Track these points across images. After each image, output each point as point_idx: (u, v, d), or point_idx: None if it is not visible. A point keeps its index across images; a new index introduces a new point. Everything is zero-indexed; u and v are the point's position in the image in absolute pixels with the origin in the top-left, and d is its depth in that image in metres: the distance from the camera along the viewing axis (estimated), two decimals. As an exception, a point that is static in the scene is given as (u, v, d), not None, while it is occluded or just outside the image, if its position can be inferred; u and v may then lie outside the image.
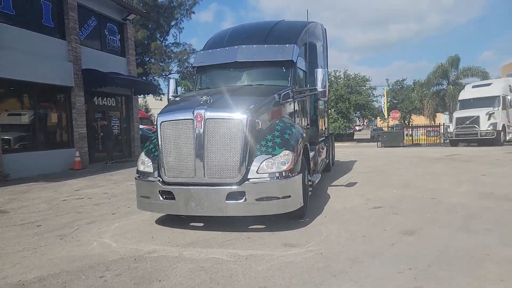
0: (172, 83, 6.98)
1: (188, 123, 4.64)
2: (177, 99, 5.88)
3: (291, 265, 3.62)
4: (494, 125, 18.47)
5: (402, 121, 37.05)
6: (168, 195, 4.77)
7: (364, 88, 34.82)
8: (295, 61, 6.13)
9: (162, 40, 39.82)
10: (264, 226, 5.00)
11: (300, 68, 6.59)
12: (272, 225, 4.98)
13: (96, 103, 15.44)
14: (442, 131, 26.85)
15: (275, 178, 4.53)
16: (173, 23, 40.24)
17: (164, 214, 5.75)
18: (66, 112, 13.79)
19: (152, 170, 4.97)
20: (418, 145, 26.67)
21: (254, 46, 6.27)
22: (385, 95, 29.85)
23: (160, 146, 4.81)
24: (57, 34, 13.23)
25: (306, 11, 6.48)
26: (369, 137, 42.05)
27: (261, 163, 4.54)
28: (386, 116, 28.41)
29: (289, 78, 6.13)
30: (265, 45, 6.27)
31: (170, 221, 5.47)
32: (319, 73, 5.90)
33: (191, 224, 5.29)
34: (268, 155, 4.60)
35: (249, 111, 4.59)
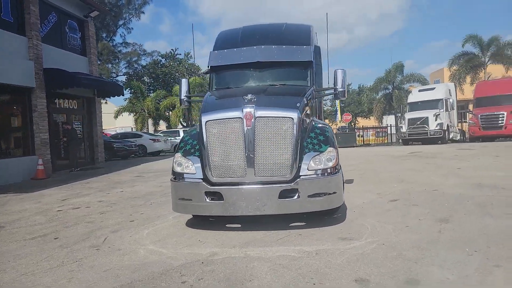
0: (184, 83, 6.77)
1: (237, 121, 4.59)
2: (213, 97, 5.74)
3: (367, 256, 3.76)
4: (441, 125, 20.40)
5: (350, 124, 39.17)
6: (214, 196, 4.65)
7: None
8: (313, 62, 6.32)
9: (109, 40, 37.92)
10: (304, 223, 5.07)
11: (313, 69, 6.78)
12: (310, 222, 5.07)
13: (57, 106, 14.27)
14: (389, 132, 29.00)
15: (323, 174, 4.65)
16: (120, 22, 38.56)
17: (190, 217, 5.60)
18: (26, 115, 12.57)
19: (194, 171, 4.80)
20: (369, 145, 28.52)
21: (273, 46, 6.33)
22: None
23: (205, 146, 4.67)
24: (16, 30, 12.04)
25: (326, 14, 6.70)
26: None
27: (310, 160, 4.63)
28: (340, 119, 29.93)
29: (308, 78, 6.29)
30: (284, 46, 6.37)
31: (202, 223, 5.32)
32: (339, 73, 6.14)
33: (227, 225, 5.19)
34: (316, 152, 4.70)
35: (298, 109, 4.67)
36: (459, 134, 24.08)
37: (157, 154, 24.27)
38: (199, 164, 4.78)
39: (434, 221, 4.93)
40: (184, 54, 44.91)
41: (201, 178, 4.73)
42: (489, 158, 11.82)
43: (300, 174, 4.57)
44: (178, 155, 5.05)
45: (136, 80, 39.76)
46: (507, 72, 31.19)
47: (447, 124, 20.99)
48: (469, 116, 22.49)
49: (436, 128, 20.28)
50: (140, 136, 24.55)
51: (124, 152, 20.29)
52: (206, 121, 4.70)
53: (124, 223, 5.71)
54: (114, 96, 15.87)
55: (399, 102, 28.55)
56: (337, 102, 30.51)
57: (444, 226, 4.66)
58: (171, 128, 34.14)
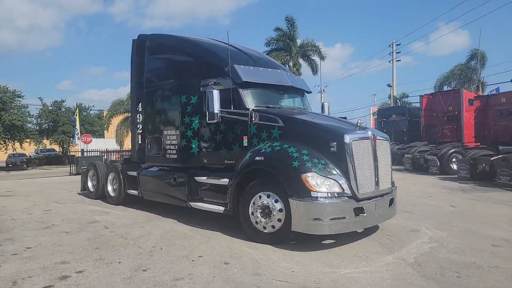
0: (216, 95, 5.76)
1: (369, 142, 5.26)
2: (305, 117, 5.60)
3: (485, 233, 5.70)
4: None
5: (64, 146, 35.16)
6: (356, 212, 4.98)
7: (16, 105, 30.70)
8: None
9: None
10: (381, 229, 6.08)
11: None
12: (383, 229, 6.08)
13: None
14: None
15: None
16: None
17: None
18: None
19: (341, 189, 4.88)
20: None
21: (289, 73, 6.83)
22: (77, 116, 27.66)
23: (352, 163, 4.96)
24: None
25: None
26: (5, 164, 35.48)
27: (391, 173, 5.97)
28: (78, 140, 26.68)
29: (308, 106, 7.23)
30: (292, 75, 6.99)
31: (293, 244, 5.23)
32: (326, 105, 7.52)
33: (323, 242, 5.40)
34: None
35: (384, 134, 5.93)
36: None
37: None
38: (344, 182, 4.94)
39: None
40: None
41: (348, 196, 4.93)
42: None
43: (393, 186, 5.83)
44: (313, 174, 4.87)
45: None
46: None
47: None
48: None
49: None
50: None
51: None
52: (352, 140, 5.01)
53: (222, 266, 4.41)
54: None
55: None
56: (76, 120, 27.32)
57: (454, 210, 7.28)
58: None
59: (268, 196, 5.27)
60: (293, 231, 5.04)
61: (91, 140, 28.01)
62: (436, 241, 5.39)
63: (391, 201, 5.66)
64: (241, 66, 6.20)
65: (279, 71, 6.74)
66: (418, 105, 22.21)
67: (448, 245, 5.18)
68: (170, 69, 7.30)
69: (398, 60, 36.89)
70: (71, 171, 22.19)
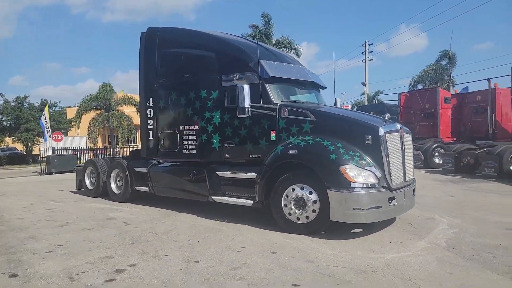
0: (246, 89, 5.79)
1: (398, 135, 5.54)
2: (338, 111, 5.73)
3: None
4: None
5: (29, 144, 33.26)
6: (389, 201, 5.25)
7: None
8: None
9: None
10: (400, 218, 6.37)
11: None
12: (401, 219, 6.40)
13: None
14: (111, 153, 28.35)
15: (412, 176, 6.44)
16: None
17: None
18: None
19: (377, 180, 5.11)
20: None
21: (308, 68, 7.00)
22: (47, 113, 26.13)
23: (386, 155, 5.22)
24: None
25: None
26: None
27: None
28: (49, 138, 25.29)
29: (324, 102, 7.42)
30: (310, 70, 7.16)
31: (330, 232, 5.44)
32: (338, 100, 7.77)
33: (352, 231, 5.64)
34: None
35: (406, 129, 6.23)
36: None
37: None
38: (379, 173, 5.18)
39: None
40: None
41: (383, 186, 5.18)
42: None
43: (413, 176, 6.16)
44: (351, 166, 5.07)
45: None
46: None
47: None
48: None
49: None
50: None
51: None
52: (385, 132, 5.26)
53: (271, 256, 4.52)
54: None
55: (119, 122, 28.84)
56: (43, 117, 25.90)
57: (454, 200, 7.74)
58: None
59: (302, 188, 5.42)
60: (329, 221, 5.24)
61: (62, 138, 26.72)
62: (455, 227, 5.78)
63: (413, 191, 6.00)
64: (267, 61, 6.28)
65: (300, 66, 6.91)
66: (390, 102, 23.29)
67: (467, 230, 5.58)
68: (186, 64, 7.19)
69: (370, 60, 38.17)
70: (42, 171, 21.25)
